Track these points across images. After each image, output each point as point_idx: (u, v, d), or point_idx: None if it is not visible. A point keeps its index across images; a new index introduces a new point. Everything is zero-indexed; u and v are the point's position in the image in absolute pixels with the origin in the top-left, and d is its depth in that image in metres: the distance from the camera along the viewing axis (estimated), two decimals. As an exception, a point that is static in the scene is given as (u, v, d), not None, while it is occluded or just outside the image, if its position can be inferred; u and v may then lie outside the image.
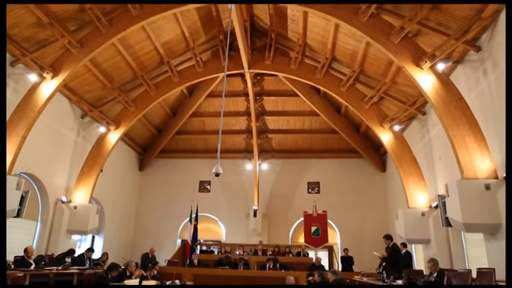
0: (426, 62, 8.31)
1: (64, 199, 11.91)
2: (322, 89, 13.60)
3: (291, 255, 13.83)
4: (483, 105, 7.79)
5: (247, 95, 15.07)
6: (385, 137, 12.13)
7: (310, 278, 8.73)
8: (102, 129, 13.03)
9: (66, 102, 11.95)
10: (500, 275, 6.00)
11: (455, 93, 8.11)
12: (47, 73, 9.70)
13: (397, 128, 11.89)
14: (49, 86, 9.79)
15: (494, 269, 5.99)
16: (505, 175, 6.92)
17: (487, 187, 7.09)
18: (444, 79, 8.35)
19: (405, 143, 12.08)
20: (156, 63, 12.95)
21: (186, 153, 17.98)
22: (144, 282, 7.24)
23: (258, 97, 15.57)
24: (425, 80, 8.42)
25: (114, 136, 13.26)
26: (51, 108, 10.31)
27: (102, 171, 13.04)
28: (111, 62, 11.76)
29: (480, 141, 7.58)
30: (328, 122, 15.60)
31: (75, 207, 11.88)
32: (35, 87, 9.67)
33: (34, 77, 9.59)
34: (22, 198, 8.79)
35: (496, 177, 7.25)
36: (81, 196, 12.33)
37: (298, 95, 15.09)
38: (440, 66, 8.30)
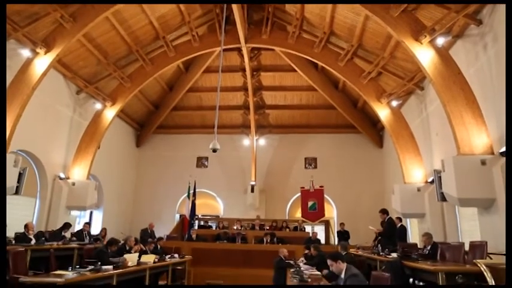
0: (426, 36, 8.18)
1: (62, 176, 11.94)
2: (319, 63, 13.46)
3: (288, 229, 14.08)
4: (482, 81, 7.75)
5: (244, 70, 14.88)
6: (383, 112, 12.10)
7: (307, 251, 8.92)
8: (98, 105, 12.92)
9: (61, 79, 11.79)
10: (492, 248, 6.16)
11: (454, 68, 8.03)
12: (40, 48, 9.49)
13: (394, 103, 11.85)
14: (43, 61, 9.60)
15: (486, 242, 6.12)
16: (502, 150, 6.96)
17: (483, 162, 7.15)
18: (443, 54, 8.24)
19: (402, 118, 12.07)
20: (152, 38, 12.69)
21: (183, 129, 17.93)
22: (144, 257, 7.37)
23: (255, 72, 15.40)
24: (425, 54, 8.31)
25: (110, 112, 13.16)
26: (45, 85, 10.16)
27: (99, 147, 13.03)
28: (105, 36, 11.52)
29: (477, 117, 7.58)
30: (326, 97, 15.52)
31: (73, 184, 11.94)
32: (28, 62, 9.49)
33: (27, 53, 9.41)
34: (20, 176, 8.81)
35: (492, 153, 7.30)
36: (79, 173, 12.37)
37: (295, 70, 14.92)
38: (440, 41, 8.19)
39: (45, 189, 11.40)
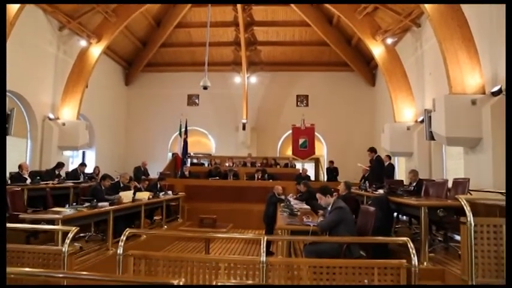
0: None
1: (51, 116, 11.78)
2: (314, -4, 12.84)
3: (278, 166, 14.44)
4: (480, 17, 7.51)
5: (235, 2, 14.17)
6: (377, 50, 11.85)
7: (298, 187, 9.26)
8: (83, 42, 12.39)
9: (41, 14, 11.14)
10: (474, 185, 6.43)
11: (453, 4, 7.73)
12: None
13: (389, 41, 11.59)
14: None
15: (468, 179, 6.38)
16: (494, 89, 6.98)
17: (473, 102, 7.18)
18: (443, -12, 7.89)
19: (397, 56, 11.87)
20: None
21: (172, 66, 17.48)
22: (138, 194, 7.58)
23: (246, 6, 14.69)
24: (423, -12, 7.95)
25: (96, 50, 12.66)
26: (24, 21, 9.60)
27: (87, 87, 12.74)
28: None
29: (472, 56, 7.47)
30: (319, 33, 15.02)
31: (63, 124, 11.83)
32: (3, -5, 8.88)
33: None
34: (8, 116, 8.67)
35: (483, 93, 7.31)
36: (68, 113, 12.20)
37: (288, 4, 14.25)
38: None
39: (35, 130, 11.32)
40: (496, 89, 6.85)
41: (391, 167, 9.98)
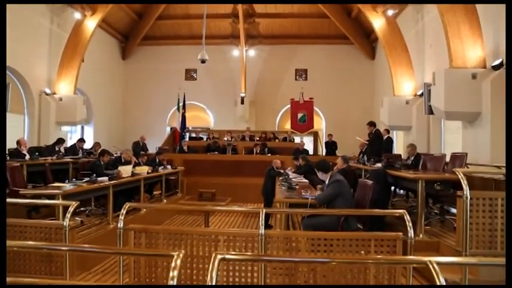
0: None
1: (48, 91, 11.65)
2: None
3: (277, 140, 14.47)
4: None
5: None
6: (377, 22, 11.62)
7: (295, 162, 9.32)
8: (78, 15, 12.07)
9: (32, -16, 10.83)
10: (471, 159, 6.49)
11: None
12: None
13: (390, 12, 11.32)
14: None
15: (466, 153, 6.42)
16: (494, 63, 6.91)
17: (474, 76, 7.12)
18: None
19: (397, 29, 11.65)
20: None
21: (170, 39, 17.16)
22: (137, 169, 7.61)
23: (244, -24, 14.29)
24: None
25: (91, 23, 12.35)
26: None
27: (83, 61, 12.52)
28: None
29: (475, 29, 7.33)
30: (319, 4, 14.70)
31: (60, 99, 11.72)
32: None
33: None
34: (4, 91, 8.58)
35: (484, 67, 7.24)
36: (65, 87, 12.06)
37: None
38: None
39: (32, 105, 11.22)
40: (497, 62, 6.77)
41: (390, 140, 10.01)
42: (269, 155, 11.63)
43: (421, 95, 9.83)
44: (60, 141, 9.54)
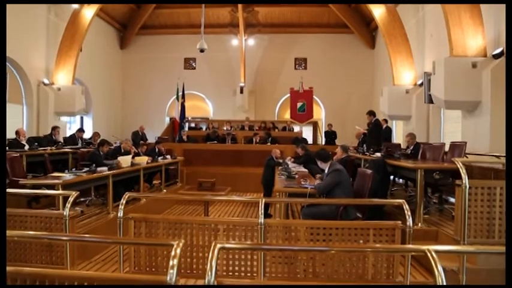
0: None
1: (46, 81, 11.59)
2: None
3: (277, 130, 14.46)
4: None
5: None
6: (378, 10, 11.53)
7: (296, 149, 9.32)
8: (75, 4, 11.96)
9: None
10: (470, 149, 6.48)
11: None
12: None
13: (390, 0, 11.23)
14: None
15: (465, 143, 6.42)
16: (495, 52, 6.87)
17: (474, 65, 7.09)
18: None
19: (398, 18, 11.55)
20: None
21: (168, 28, 17.02)
22: (137, 159, 7.61)
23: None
24: None
25: (89, 12, 12.22)
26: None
27: (81, 50, 12.44)
28: None
29: (476, 17, 7.27)
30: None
31: (59, 89, 11.67)
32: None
33: None
34: (2, 81, 8.54)
35: (485, 55, 7.20)
36: (63, 77, 11.99)
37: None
38: None
39: (30, 95, 11.17)
40: (497, 51, 6.74)
41: (389, 130, 10.00)
42: (268, 144, 11.58)
43: (421, 84, 9.80)
44: (54, 128, 9.45)
